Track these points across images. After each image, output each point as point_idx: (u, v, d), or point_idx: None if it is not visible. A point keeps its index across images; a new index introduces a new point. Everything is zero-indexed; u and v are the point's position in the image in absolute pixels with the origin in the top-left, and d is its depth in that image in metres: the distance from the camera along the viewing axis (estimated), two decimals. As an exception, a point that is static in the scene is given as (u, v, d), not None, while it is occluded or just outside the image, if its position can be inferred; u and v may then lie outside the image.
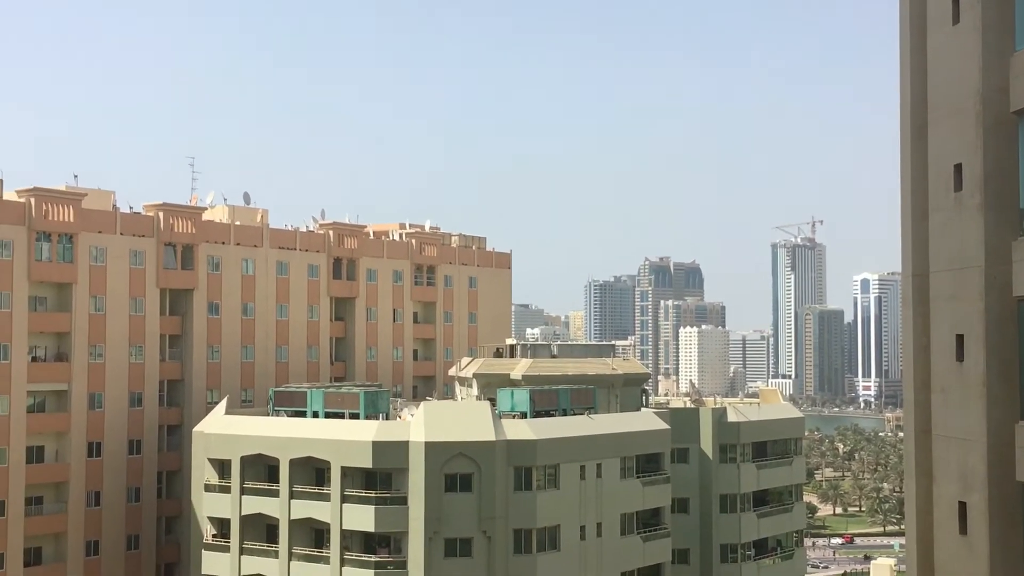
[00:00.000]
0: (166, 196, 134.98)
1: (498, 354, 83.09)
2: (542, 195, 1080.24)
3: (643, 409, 79.82)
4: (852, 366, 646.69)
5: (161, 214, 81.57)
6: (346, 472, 64.85)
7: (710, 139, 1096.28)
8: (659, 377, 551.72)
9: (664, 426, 74.36)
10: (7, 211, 73.21)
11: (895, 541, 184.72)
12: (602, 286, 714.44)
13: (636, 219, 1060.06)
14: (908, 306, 22.93)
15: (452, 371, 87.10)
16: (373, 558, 64.29)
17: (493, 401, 70.88)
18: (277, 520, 67.24)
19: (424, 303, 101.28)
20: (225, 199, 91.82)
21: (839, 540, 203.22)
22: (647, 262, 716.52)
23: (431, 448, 63.39)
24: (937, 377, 22.08)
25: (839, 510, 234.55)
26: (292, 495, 66.58)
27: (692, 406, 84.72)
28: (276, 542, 67.35)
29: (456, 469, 63.73)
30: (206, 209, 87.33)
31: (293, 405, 71.43)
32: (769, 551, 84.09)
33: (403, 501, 63.56)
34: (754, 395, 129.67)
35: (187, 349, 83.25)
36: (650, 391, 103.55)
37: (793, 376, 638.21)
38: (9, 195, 75.03)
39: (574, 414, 71.29)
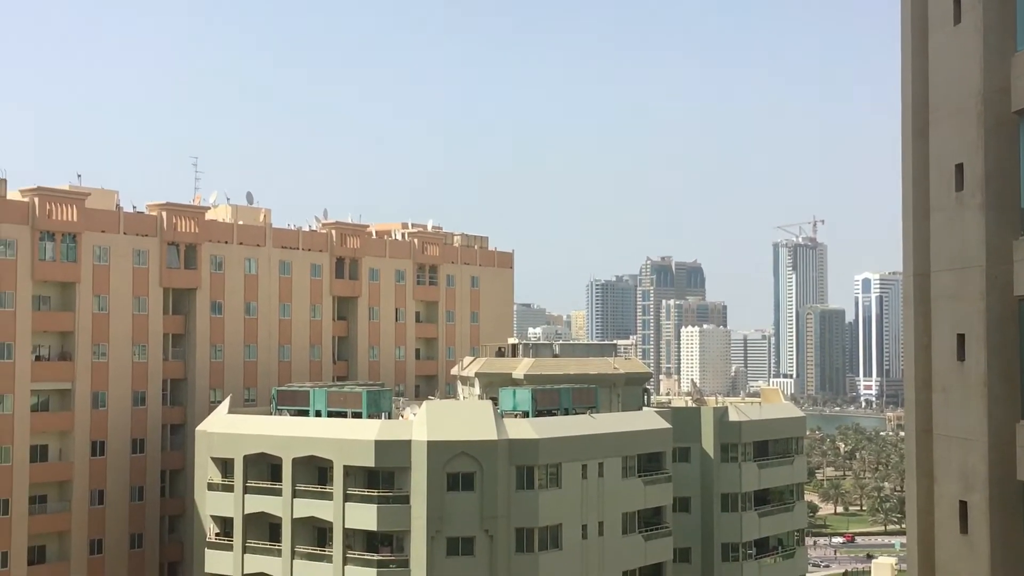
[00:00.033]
0: (169, 196, 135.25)
1: (500, 353, 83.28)
2: (543, 195, 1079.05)
3: (645, 408, 79.98)
4: (853, 365, 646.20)
5: (164, 214, 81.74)
6: (349, 471, 65.02)
7: (710, 139, 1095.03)
8: (661, 376, 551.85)
9: (666, 425, 74.46)
10: (11, 211, 73.37)
11: (896, 540, 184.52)
12: (604, 286, 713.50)
13: (637, 219, 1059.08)
14: (909, 306, 22.97)
15: (454, 370, 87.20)
16: (375, 557, 64.46)
17: (495, 400, 70.99)
18: (280, 519, 67.41)
19: (426, 302, 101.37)
20: (228, 199, 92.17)
21: (840, 539, 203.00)
22: (649, 262, 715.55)
23: (433, 447, 63.53)
24: (938, 376, 22.14)
25: (840, 509, 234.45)
26: (295, 494, 66.75)
27: (693, 405, 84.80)
28: (279, 541, 67.51)
29: (458, 468, 63.86)
30: (209, 209, 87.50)
31: (296, 404, 71.60)
32: (770, 550, 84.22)
33: (405, 500, 63.72)
34: (755, 394, 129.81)
35: (190, 348, 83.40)
36: (652, 390, 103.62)
37: (794, 375, 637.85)
38: (13, 195, 75.19)
39: (576, 413, 71.44)
